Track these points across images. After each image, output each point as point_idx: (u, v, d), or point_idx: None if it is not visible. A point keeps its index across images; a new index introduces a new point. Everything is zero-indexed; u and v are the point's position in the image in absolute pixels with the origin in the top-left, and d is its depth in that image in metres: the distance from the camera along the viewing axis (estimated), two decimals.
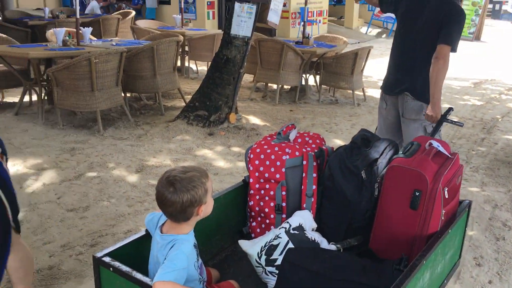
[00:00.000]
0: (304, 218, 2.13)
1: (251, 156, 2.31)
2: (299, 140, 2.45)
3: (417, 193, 1.99)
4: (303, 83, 7.38)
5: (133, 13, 10.43)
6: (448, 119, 2.85)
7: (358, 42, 14.25)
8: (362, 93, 7.47)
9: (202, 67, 8.88)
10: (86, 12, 11.82)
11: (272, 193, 2.26)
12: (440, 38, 2.86)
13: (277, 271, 1.94)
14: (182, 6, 9.33)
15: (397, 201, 2.06)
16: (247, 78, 8.09)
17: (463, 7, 13.76)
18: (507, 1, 23.10)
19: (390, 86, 3.24)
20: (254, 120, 5.99)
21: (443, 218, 2.06)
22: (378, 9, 14.33)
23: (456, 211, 2.22)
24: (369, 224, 2.19)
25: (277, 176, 2.23)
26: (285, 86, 7.58)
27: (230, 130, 5.46)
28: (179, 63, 8.32)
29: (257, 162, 2.29)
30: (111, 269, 1.69)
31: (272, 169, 2.24)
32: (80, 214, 3.52)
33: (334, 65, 7.01)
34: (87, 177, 4.14)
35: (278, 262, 1.96)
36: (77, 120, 5.64)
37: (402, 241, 2.06)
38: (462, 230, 2.35)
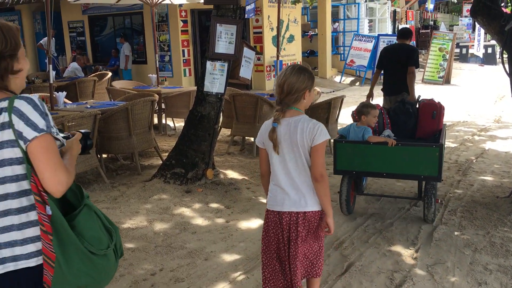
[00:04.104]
0: (389, 132, 4.78)
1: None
2: None
3: (434, 112, 5.04)
4: None
5: (109, 74, 10.57)
6: (418, 101, 5.41)
7: (333, 91, 14.58)
8: None
9: (180, 124, 8.92)
10: (64, 75, 11.91)
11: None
12: (408, 63, 6.16)
13: None
14: (158, 65, 9.49)
15: (426, 116, 5.08)
16: (225, 132, 8.15)
17: (431, 53, 14.64)
18: (473, 45, 24.08)
19: (392, 91, 6.36)
20: (232, 174, 5.98)
21: (442, 122, 5.18)
22: (350, 58, 14.86)
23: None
24: (413, 132, 5.17)
25: None
26: None
27: (207, 186, 5.43)
28: (156, 121, 8.38)
29: None
30: (343, 141, 4.39)
31: None
32: None
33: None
34: None
35: None
36: None
37: (430, 132, 5.07)
38: (445, 129, 5.10)
